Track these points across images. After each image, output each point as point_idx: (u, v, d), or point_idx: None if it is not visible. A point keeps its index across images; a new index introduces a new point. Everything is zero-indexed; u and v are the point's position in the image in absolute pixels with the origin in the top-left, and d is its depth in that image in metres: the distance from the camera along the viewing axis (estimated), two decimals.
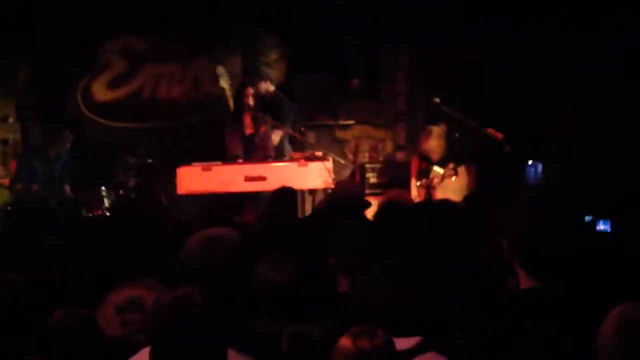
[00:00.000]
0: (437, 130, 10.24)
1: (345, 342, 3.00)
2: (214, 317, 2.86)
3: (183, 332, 2.79)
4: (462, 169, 10.21)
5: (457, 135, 10.56)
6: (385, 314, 3.28)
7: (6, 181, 11.01)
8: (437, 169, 10.10)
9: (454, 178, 10.05)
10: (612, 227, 7.41)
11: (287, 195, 7.96)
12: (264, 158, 10.49)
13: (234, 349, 3.08)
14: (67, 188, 10.75)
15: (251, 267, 3.34)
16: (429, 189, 10.06)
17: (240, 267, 3.25)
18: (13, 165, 11.41)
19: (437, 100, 10.24)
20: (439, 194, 9.82)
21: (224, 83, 11.18)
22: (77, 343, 3.15)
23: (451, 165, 10.04)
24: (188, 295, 2.86)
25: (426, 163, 10.21)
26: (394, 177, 10.72)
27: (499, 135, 9.80)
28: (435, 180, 10.04)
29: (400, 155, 12.11)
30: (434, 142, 10.17)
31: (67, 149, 10.77)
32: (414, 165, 10.42)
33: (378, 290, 3.37)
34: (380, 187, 10.59)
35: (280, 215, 7.48)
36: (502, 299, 3.21)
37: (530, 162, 11.23)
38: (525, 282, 3.04)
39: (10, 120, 12.13)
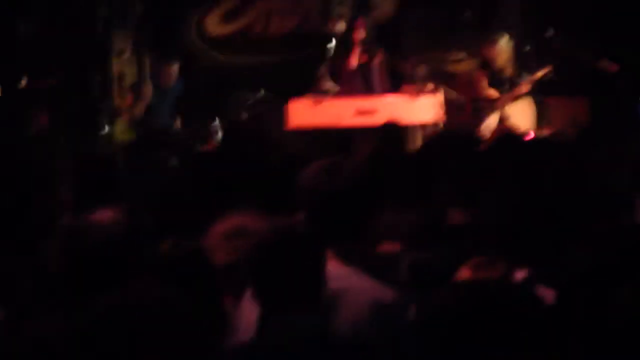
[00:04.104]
0: (504, 39, 10.13)
1: (465, 272, 3.03)
2: (314, 247, 2.97)
3: (283, 262, 2.92)
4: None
5: (528, 48, 10.46)
6: (501, 245, 3.30)
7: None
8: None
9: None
10: None
11: (393, 130, 7.97)
12: (382, 91, 10.50)
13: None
14: (178, 122, 10.91)
15: (369, 196, 3.37)
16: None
17: (358, 195, 3.30)
18: (129, 99, 11.63)
19: (550, 32, 10.10)
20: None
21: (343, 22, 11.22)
22: (186, 271, 3.24)
23: None
24: (290, 226, 2.97)
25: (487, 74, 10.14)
26: None
27: (613, 68, 9.64)
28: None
29: None
30: (497, 51, 10.05)
31: (179, 82, 10.93)
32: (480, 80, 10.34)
33: (495, 221, 3.39)
34: None
35: (388, 150, 7.49)
36: (617, 233, 3.20)
37: None
38: None
39: (127, 54, 12.35)
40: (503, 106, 10.01)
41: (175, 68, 10.81)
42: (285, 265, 2.93)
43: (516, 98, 9.98)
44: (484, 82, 10.21)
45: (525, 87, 9.96)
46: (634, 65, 10.36)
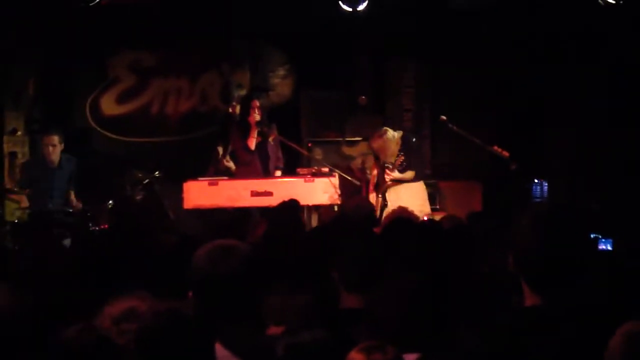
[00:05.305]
0: (392, 132, 10.26)
1: (356, 356, 3.00)
2: (202, 333, 2.93)
3: (170, 348, 2.87)
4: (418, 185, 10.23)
5: (414, 140, 10.63)
6: (396, 330, 3.30)
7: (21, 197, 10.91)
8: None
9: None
10: (613, 246, 7.34)
11: (290, 208, 7.96)
12: (275, 168, 10.56)
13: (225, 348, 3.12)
14: (73, 196, 10.59)
15: (259, 279, 3.35)
16: (384, 194, 10.03)
17: (248, 279, 3.27)
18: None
19: (444, 117, 10.30)
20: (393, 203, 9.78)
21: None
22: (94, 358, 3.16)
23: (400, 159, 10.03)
24: (176, 311, 2.92)
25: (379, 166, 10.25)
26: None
27: (505, 153, 9.84)
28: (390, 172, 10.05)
29: None
30: (384, 142, 10.17)
31: (71, 160, 10.68)
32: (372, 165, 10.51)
33: (392, 306, 3.38)
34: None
35: (285, 228, 7.47)
36: (505, 316, 3.24)
37: (536, 180, 11.26)
38: (529, 299, 3.07)
39: (19, 133, 12.18)
40: (386, 190, 10.08)
41: (55, 139, 10.44)
42: (173, 349, 2.88)
43: (397, 182, 10.06)
44: (375, 168, 10.35)
45: (396, 174, 10.05)
46: (526, 150, 10.63)
